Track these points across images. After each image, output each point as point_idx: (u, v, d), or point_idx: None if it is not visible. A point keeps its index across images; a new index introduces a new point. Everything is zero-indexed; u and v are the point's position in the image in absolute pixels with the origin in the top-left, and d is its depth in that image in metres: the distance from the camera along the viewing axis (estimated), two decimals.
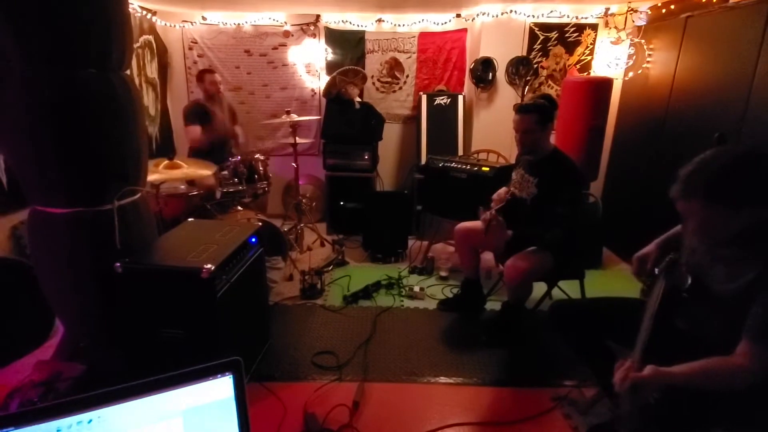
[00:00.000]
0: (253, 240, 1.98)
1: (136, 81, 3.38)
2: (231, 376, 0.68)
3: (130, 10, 3.27)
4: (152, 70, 3.67)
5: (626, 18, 3.39)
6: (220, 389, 0.67)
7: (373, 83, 4.03)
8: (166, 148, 3.79)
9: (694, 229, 1.21)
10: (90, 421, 0.62)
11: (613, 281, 3.04)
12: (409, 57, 3.97)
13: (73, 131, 1.48)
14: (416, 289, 2.81)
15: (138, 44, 3.42)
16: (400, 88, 4.05)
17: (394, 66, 4.00)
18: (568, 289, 2.57)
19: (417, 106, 3.92)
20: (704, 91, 2.66)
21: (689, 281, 1.28)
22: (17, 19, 1.34)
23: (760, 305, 1.08)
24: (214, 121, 3.26)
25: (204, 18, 3.85)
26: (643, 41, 3.26)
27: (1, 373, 1.90)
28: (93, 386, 0.68)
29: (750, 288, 1.12)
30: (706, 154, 1.16)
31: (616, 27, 3.48)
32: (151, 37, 3.63)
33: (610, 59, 3.55)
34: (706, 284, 1.24)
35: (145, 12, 3.50)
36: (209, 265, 1.55)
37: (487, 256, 2.96)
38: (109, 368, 1.67)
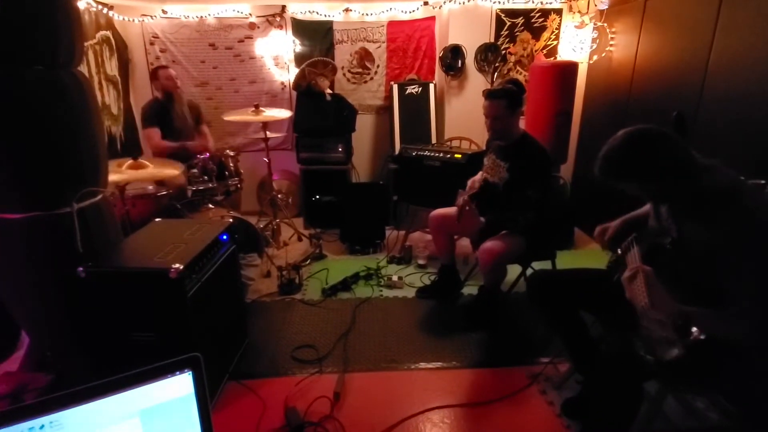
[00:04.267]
0: (225, 237, 1.95)
1: (95, 79, 3.25)
2: (190, 372, 0.67)
3: (85, 4, 3.14)
4: (112, 68, 3.52)
5: (589, 2, 3.45)
6: (179, 387, 0.66)
7: (344, 74, 3.99)
8: (131, 147, 3.66)
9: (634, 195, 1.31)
10: (42, 426, 0.60)
11: (584, 260, 3.13)
12: (379, 47, 3.94)
13: (20, 132, 1.41)
14: (395, 278, 2.83)
15: (95, 40, 3.28)
16: (372, 78, 4.02)
17: (364, 56, 3.96)
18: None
19: (389, 96, 3.90)
20: (663, 72, 2.74)
21: (670, 238, 1.32)
22: None
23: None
24: (174, 119, 3.12)
25: (164, 11, 3.71)
26: (605, 25, 3.32)
27: None
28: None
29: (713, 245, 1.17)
30: (610, 141, 1.27)
31: (579, 11, 3.54)
32: (108, 33, 3.48)
33: (575, 43, 3.61)
34: (678, 238, 1.30)
35: (100, 6, 3.34)
36: (177, 265, 1.51)
37: (464, 242, 3.00)
38: (78, 377, 1.63)
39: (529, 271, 2.45)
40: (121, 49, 3.65)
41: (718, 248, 1.15)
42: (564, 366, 1.94)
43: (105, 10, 3.41)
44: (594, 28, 3.47)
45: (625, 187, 1.27)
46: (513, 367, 2.03)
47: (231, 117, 3.07)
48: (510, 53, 3.73)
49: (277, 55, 3.90)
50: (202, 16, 3.74)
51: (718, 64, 2.31)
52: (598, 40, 3.44)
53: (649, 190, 1.28)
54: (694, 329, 1.13)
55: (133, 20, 3.71)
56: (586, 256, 3.22)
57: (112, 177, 2.04)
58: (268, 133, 3.20)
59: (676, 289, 1.21)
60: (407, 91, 3.77)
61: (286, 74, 3.95)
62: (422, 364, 2.05)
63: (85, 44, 3.04)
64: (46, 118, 1.45)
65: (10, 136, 1.41)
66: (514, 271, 2.40)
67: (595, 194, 3.38)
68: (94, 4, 3.27)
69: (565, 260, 2.70)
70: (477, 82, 3.73)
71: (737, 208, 1.14)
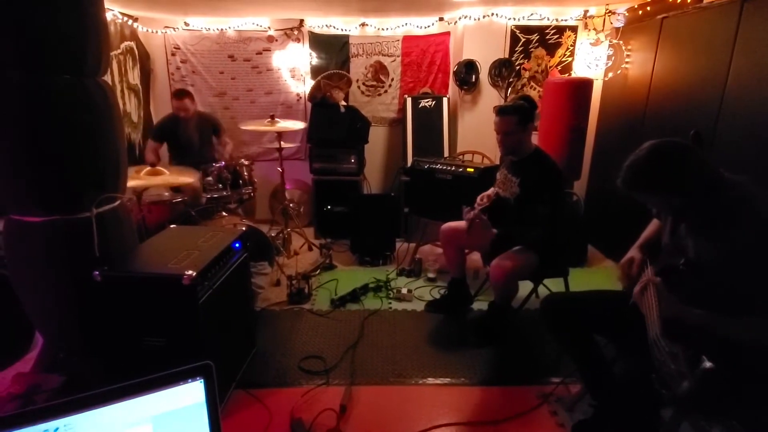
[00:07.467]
0: (237, 245, 1.96)
1: (118, 87, 3.35)
2: (202, 380, 0.67)
3: (111, 16, 3.26)
4: (134, 77, 3.64)
5: (604, 20, 3.46)
6: (191, 394, 0.67)
7: (359, 87, 4.04)
8: None
9: (657, 212, 1.31)
10: (56, 429, 0.61)
11: (597, 278, 3.08)
12: (394, 60, 3.99)
13: (45, 137, 1.46)
14: (404, 291, 2.82)
15: (119, 51, 3.39)
16: (386, 91, 4.07)
17: (379, 69, 4.02)
18: (554, 287, 2.58)
19: (402, 109, 3.94)
20: (680, 90, 2.72)
21: (683, 258, 1.29)
22: None
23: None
24: (180, 139, 3.31)
25: (186, 24, 3.83)
26: (621, 42, 3.32)
27: None
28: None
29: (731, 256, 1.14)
30: (636, 152, 1.26)
31: (594, 29, 3.55)
32: (132, 44, 3.60)
33: (590, 60, 3.61)
34: (694, 258, 1.26)
35: (126, 18, 3.47)
36: (191, 272, 1.53)
37: (475, 257, 2.97)
38: (90, 379, 1.64)
39: (540, 288, 2.42)
40: (143, 59, 3.77)
41: (734, 261, 1.11)
42: (576, 387, 1.90)
43: (130, 22, 3.53)
44: (609, 46, 3.47)
45: (648, 200, 1.24)
46: (523, 386, 1.99)
47: (248, 126, 3.14)
48: (524, 69, 3.74)
49: (294, 68, 3.98)
50: (222, 29, 3.85)
51: (736, 83, 2.28)
52: (613, 58, 3.43)
53: (671, 204, 1.24)
54: (705, 360, 1.09)
55: (156, 32, 3.83)
56: (599, 274, 3.16)
57: (132, 182, 2.09)
58: (282, 143, 3.25)
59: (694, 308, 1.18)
60: (420, 105, 3.80)
61: (301, 86, 4.02)
62: (430, 380, 2.02)
63: (110, 54, 3.15)
64: (70, 126, 1.50)
65: (35, 142, 1.46)
66: (525, 287, 2.36)
67: (609, 211, 3.34)
68: (120, 16, 3.40)
69: (578, 278, 2.66)
70: (490, 97, 3.75)
71: (749, 218, 1.11)
